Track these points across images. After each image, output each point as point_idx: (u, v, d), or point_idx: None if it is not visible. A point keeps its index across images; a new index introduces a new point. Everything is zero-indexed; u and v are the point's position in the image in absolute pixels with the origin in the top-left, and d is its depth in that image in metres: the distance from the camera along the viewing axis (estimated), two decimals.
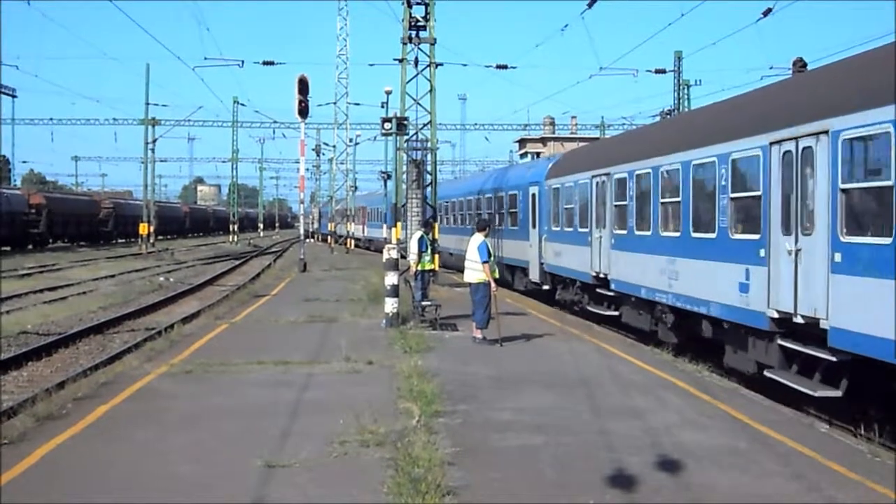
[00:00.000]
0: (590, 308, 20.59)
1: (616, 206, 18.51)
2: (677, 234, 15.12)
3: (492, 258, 15.87)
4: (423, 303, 18.49)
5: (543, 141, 78.85)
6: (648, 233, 16.48)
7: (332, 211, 73.93)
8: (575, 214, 21.73)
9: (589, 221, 20.38)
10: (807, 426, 10.07)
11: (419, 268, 18.96)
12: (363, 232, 65.34)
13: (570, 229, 22.02)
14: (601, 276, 19.37)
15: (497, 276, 16.20)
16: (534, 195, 26.03)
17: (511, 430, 9.28)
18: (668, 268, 15.36)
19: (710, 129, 14.41)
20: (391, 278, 17.91)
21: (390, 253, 18.32)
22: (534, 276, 25.61)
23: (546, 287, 24.79)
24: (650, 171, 16.50)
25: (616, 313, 19.07)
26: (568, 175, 22.82)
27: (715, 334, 13.95)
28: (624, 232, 17.95)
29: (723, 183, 13.16)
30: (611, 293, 18.82)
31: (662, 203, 15.92)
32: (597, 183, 19.95)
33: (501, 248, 29.03)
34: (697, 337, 14.86)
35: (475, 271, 15.83)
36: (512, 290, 27.37)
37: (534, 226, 25.74)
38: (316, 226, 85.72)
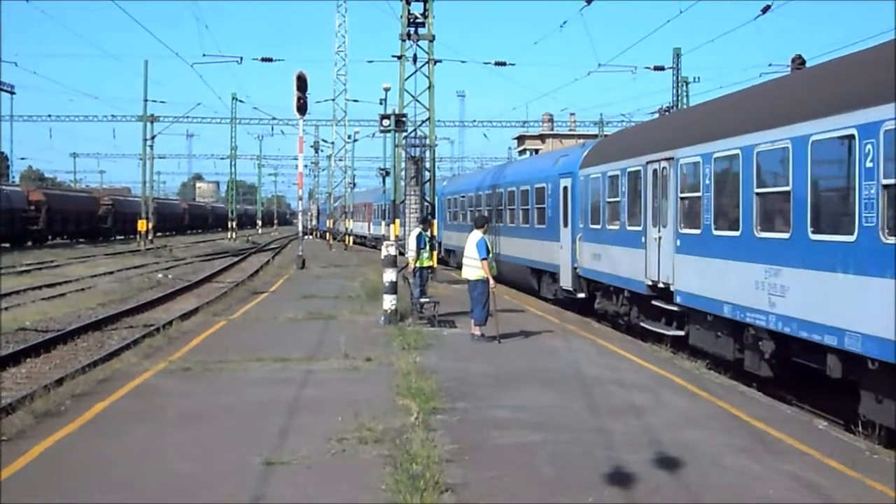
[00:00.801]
0: (642, 324, 17.01)
1: (683, 198, 14.90)
2: (784, 235, 11.32)
3: (490, 255, 15.85)
4: (422, 300, 18.49)
5: (542, 138, 78.74)
6: (736, 233, 12.76)
7: (330, 208, 73.81)
8: (622, 210, 18.06)
9: (642, 218, 16.68)
10: (805, 423, 10.06)
11: (417, 264, 18.99)
12: (368, 229, 63.17)
13: (615, 227, 18.44)
14: (660, 285, 15.76)
15: (496, 272, 16.19)
16: (565, 188, 22.37)
17: (509, 428, 9.28)
18: (770, 280, 11.65)
19: (839, 92, 10.73)
20: (389, 275, 17.91)
21: (388, 250, 18.33)
22: (565, 282, 22.08)
23: (581, 295, 21.09)
24: (738, 152, 12.71)
25: (681, 333, 15.34)
26: (611, 162, 19.05)
27: (846, 374, 10.37)
28: (696, 231, 14.26)
29: (868, 164, 9.47)
30: (673, 307, 15.23)
31: (759, 194, 12.15)
32: (654, 170, 16.17)
33: (525, 249, 26.07)
34: (807, 372, 11.53)
35: (474, 268, 15.82)
36: (539, 298, 24.34)
37: (565, 224, 22.18)
38: (314, 222, 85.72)
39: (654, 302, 16.26)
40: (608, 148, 20.84)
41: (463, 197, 36.52)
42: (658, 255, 15.89)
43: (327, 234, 67.44)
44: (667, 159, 15.62)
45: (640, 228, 16.86)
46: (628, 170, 17.81)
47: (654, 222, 16.15)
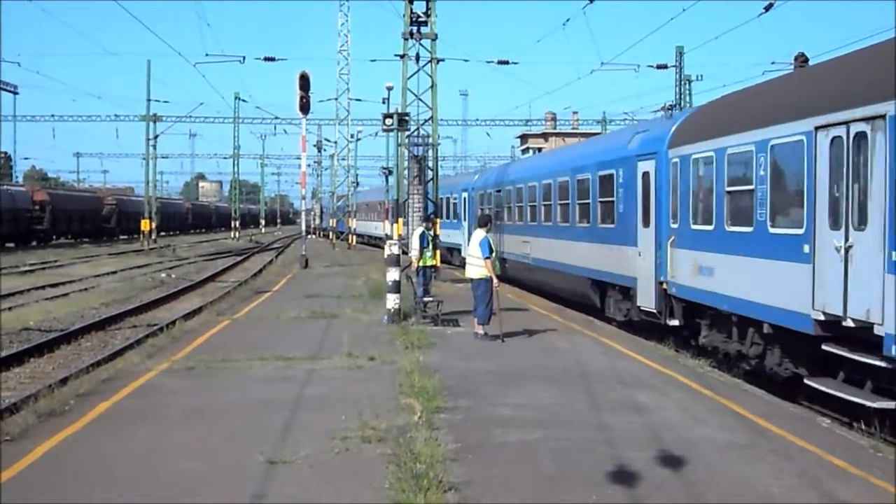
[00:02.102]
0: (808, 382, 11.23)
1: None
2: None
3: (493, 253, 15.86)
4: (425, 299, 18.49)
5: (545, 136, 78.77)
6: None
7: (333, 207, 73.67)
8: (758, 203, 12.38)
9: (806, 216, 11.11)
10: (808, 421, 10.06)
11: (421, 263, 19.01)
12: (384, 229, 60.60)
13: (744, 229, 12.83)
14: (847, 322, 10.15)
15: (499, 271, 16.19)
16: (646, 175, 16.73)
17: (512, 426, 9.28)
18: None
19: None
20: (393, 274, 17.92)
21: (392, 248, 18.36)
22: (645, 300, 16.60)
23: (674, 323, 15.57)
24: None
25: (890, 405, 9.62)
26: (733, 134, 13.30)
27: None
28: None
29: None
30: (878, 362, 9.59)
31: None
32: (834, 140, 10.58)
33: (583, 255, 20.41)
34: None
35: (477, 267, 15.83)
36: (603, 320, 19.06)
37: (646, 223, 16.61)
38: (318, 221, 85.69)
39: (826, 347, 10.71)
40: (724, 113, 14.76)
41: (499, 191, 30.11)
42: (843, 275, 10.23)
43: (330, 234, 67.39)
44: (867, 119, 9.89)
45: (800, 231, 11.26)
46: (773, 143, 12.08)
47: (835, 223, 10.52)
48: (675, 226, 15.50)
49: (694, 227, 14.77)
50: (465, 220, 36.02)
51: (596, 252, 19.53)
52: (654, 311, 16.29)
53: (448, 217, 38.50)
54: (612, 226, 18.68)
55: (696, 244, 14.58)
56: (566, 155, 24.99)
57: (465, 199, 36.34)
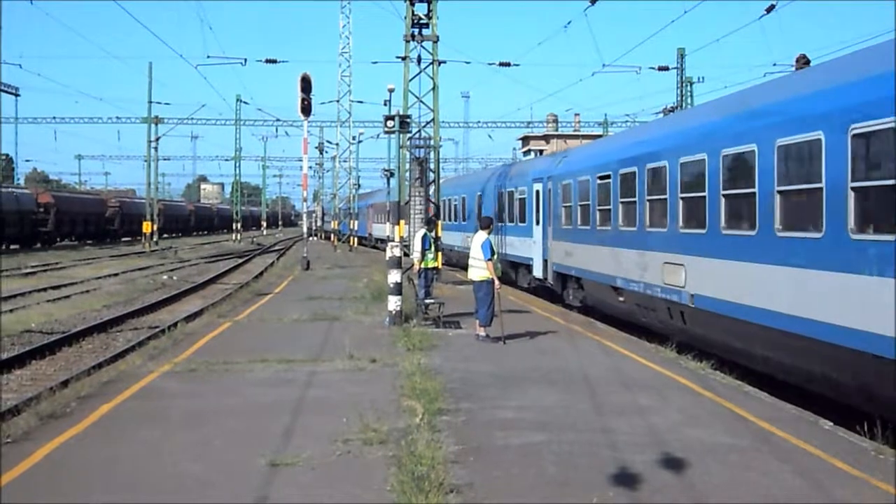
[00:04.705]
0: None
1: None
2: None
3: (495, 255, 15.86)
4: (427, 300, 18.50)
5: (546, 138, 78.69)
6: None
7: (335, 208, 73.66)
8: None
9: None
10: (810, 423, 10.03)
11: (422, 265, 19.03)
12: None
13: None
14: None
15: (500, 273, 16.19)
16: None
17: (514, 428, 9.28)
18: None
19: None
20: (394, 276, 17.92)
21: (393, 251, 18.38)
22: None
23: None
24: None
25: None
26: None
27: None
28: None
29: None
30: None
31: None
32: None
33: (846, 297, 9.74)
34: None
35: (479, 269, 15.83)
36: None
37: None
38: (319, 223, 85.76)
39: None
40: None
41: (603, 178, 19.19)
42: None
43: (332, 236, 67.50)
44: None
45: None
46: None
47: None
48: None
49: None
50: (536, 224, 25.07)
51: (825, 282, 9.97)
52: None
53: (510, 220, 28.57)
54: (872, 239, 9.05)
55: None
56: (790, 87, 12.37)
57: (537, 192, 25.19)
